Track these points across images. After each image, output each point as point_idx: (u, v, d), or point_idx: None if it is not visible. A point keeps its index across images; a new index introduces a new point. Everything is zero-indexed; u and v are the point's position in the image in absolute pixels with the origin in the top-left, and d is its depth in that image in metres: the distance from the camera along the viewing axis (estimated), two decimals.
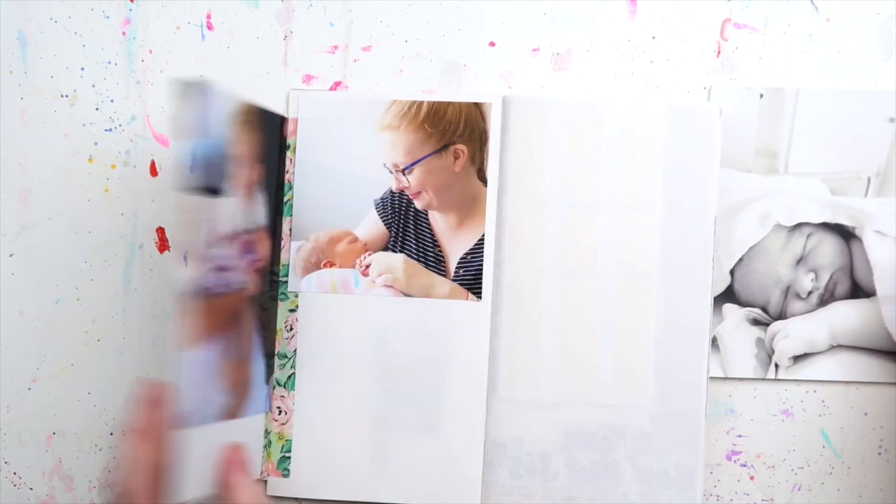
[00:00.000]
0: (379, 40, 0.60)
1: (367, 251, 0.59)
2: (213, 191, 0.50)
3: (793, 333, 0.57)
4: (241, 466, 0.51)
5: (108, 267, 0.61)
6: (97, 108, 0.61)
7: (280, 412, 0.59)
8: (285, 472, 0.59)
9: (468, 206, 0.58)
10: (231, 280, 0.53)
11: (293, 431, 0.59)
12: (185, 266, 0.49)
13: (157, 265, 0.61)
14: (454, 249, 0.58)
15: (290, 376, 0.59)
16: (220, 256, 0.51)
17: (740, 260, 0.58)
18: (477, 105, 0.58)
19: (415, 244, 0.59)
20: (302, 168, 0.59)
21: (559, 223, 0.57)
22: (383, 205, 0.59)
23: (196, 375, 0.49)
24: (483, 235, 0.58)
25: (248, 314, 0.55)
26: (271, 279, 0.59)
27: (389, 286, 0.59)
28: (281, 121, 0.60)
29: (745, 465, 0.58)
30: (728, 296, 0.58)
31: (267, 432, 0.59)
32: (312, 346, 0.59)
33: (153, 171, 0.61)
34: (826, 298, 0.57)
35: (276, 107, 0.60)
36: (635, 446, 0.56)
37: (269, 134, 0.57)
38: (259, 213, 0.56)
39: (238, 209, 0.53)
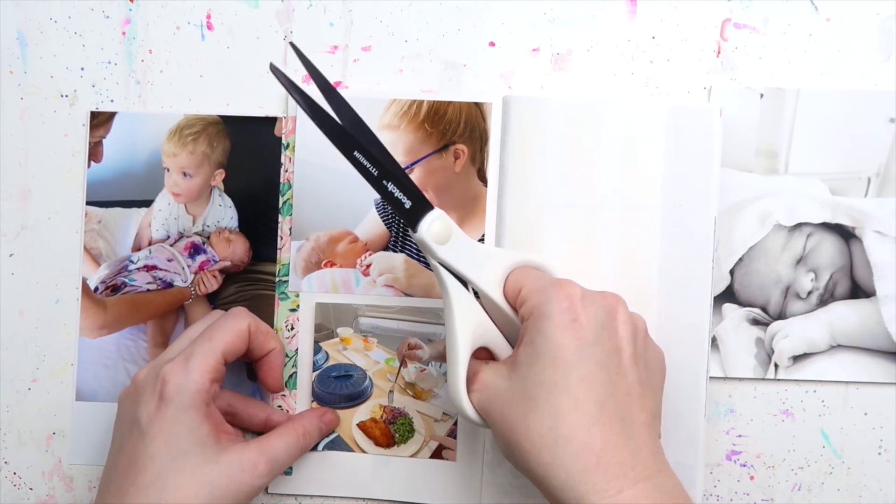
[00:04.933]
0: (379, 40, 0.60)
1: (367, 251, 0.59)
2: (135, 203, 0.60)
3: (793, 333, 0.57)
4: None
5: None
6: (97, 108, 0.61)
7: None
8: (286, 471, 0.59)
9: (468, 206, 0.58)
10: (167, 278, 0.60)
11: None
12: (98, 266, 0.60)
13: None
14: None
15: (291, 376, 0.59)
16: (148, 258, 0.60)
17: (740, 260, 0.58)
18: (477, 105, 0.58)
19: (415, 244, 0.58)
20: (302, 167, 0.59)
21: (559, 223, 0.57)
22: (384, 205, 0.59)
23: (102, 359, 0.60)
24: (483, 235, 0.58)
25: (186, 309, 0.60)
26: (259, 278, 0.59)
27: (390, 286, 0.59)
28: (272, 121, 0.60)
29: (745, 465, 0.58)
30: (728, 296, 0.58)
31: None
32: None
33: None
34: (826, 298, 0.57)
35: (276, 107, 0.60)
36: None
37: (242, 139, 0.60)
38: (221, 214, 0.60)
39: (175, 215, 0.60)
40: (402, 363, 0.58)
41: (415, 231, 0.49)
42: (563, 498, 0.45)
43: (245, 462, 0.51)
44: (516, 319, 0.51)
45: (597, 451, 0.45)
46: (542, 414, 0.46)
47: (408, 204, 0.49)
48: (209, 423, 0.51)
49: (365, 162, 0.48)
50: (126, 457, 0.51)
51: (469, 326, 0.50)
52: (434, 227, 0.49)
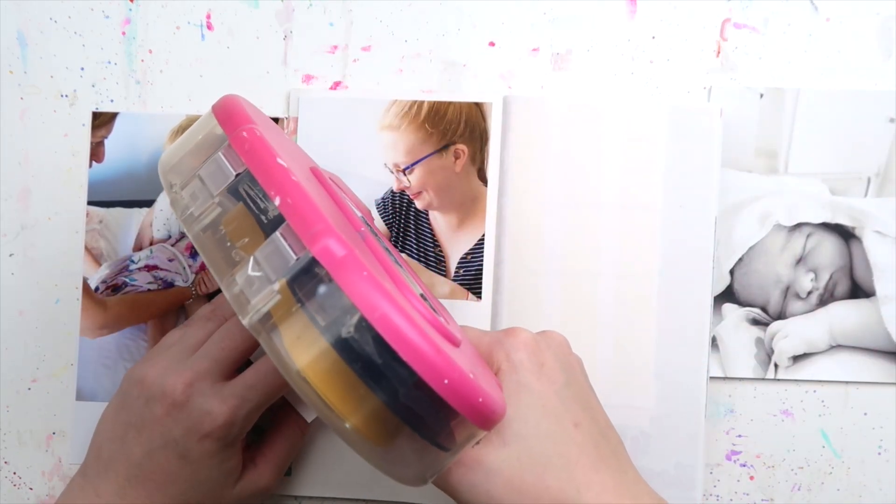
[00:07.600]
0: (379, 40, 0.60)
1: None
2: (136, 203, 0.60)
3: (792, 333, 0.57)
4: None
5: None
6: (97, 108, 0.61)
7: None
8: (286, 472, 0.59)
9: (469, 206, 0.58)
10: (168, 278, 0.60)
11: None
12: (98, 266, 0.61)
13: None
14: (454, 249, 0.58)
15: None
16: (149, 257, 0.61)
17: (740, 260, 0.58)
18: (478, 105, 0.58)
19: (415, 244, 0.59)
20: None
21: (559, 223, 0.57)
22: (384, 205, 0.59)
23: (102, 359, 0.60)
24: (483, 235, 0.58)
25: (187, 309, 0.61)
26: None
27: None
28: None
29: (745, 465, 0.58)
30: (728, 296, 0.58)
31: None
32: None
33: None
34: (826, 298, 0.57)
35: (276, 107, 0.60)
36: (635, 446, 0.56)
37: None
38: None
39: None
40: None
41: None
42: None
43: (257, 481, 0.55)
44: None
45: (611, 489, 0.44)
46: (557, 469, 0.43)
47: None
48: (237, 458, 0.53)
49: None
50: (144, 444, 0.51)
51: None
52: None
